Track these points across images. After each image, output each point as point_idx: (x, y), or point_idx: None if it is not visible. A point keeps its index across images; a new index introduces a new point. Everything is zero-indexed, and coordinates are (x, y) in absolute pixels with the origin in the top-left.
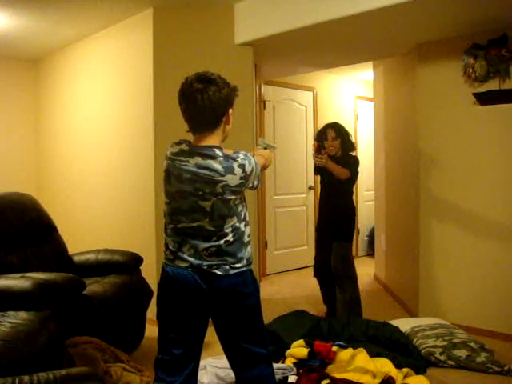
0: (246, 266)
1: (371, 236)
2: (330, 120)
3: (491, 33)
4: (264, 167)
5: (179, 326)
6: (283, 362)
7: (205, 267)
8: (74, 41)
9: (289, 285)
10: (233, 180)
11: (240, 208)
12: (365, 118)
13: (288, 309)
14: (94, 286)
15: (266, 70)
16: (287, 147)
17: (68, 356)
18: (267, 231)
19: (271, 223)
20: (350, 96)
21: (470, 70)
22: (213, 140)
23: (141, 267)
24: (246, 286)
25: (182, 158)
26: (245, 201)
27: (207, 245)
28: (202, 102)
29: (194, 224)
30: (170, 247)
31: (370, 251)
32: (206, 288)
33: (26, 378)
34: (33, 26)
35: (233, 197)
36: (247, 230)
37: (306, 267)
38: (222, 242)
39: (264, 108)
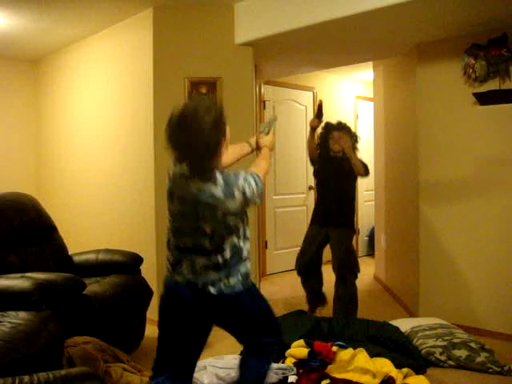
0: (241, 282)
1: (371, 236)
2: (330, 120)
3: (491, 33)
4: (267, 171)
5: (177, 336)
6: (283, 362)
7: (200, 285)
8: (74, 41)
9: (289, 285)
10: (233, 205)
11: (240, 225)
12: (365, 117)
13: (288, 309)
14: (94, 286)
15: (265, 70)
16: (287, 147)
17: (68, 356)
18: (267, 231)
19: (271, 223)
20: (350, 96)
21: (470, 70)
22: (213, 162)
23: (141, 267)
24: (241, 303)
25: (183, 181)
26: (246, 216)
27: (204, 260)
28: (193, 146)
29: (195, 242)
30: (170, 261)
31: (370, 251)
32: (201, 304)
33: (26, 378)
34: (33, 26)
35: (233, 218)
36: (246, 246)
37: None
38: (219, 258)
39: (264, 108)
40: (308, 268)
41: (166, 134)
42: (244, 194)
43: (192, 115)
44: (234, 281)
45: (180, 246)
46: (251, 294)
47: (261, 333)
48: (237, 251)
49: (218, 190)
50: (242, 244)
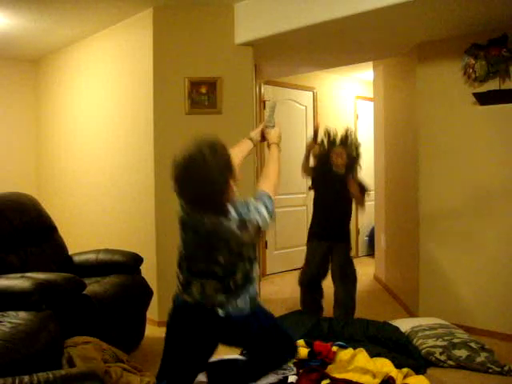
0: (249, 305)
1: (371, 236)
2: (330, 120)
3: (491, 33)
4: (278, 174)
5: (182, 352)
6: None
7: (208, 307)
8: (74, 41)
9: (289, 285)
10: (247, 237)
11: (251, 250)
12: (365, 118)
13: (288, 309)
14: (94, 286)
15: (266, 70)
16: (287, 147)
17: (68, 356)
18: (267, 231)
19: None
20: (350, 96)
21: (470, 70)
22: (224, 198)
23: (141, 267)
24: (248, 325)
25: (196, 214)
26: (258, 236)
27: (215, 284)
28: (203, 190)
29: (207, 268)
30: (181, 281)
31: (370, 251)
32: (209, 325)
33: (26, 378)
34: (33, 26)
35: (246, 247)
36: (255, 267)
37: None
38: (230, 282)
39: (264, 108)
40: (314, 280)
41: (172, 178)
42: (258, 224)
43: (198, 159)
44: (242, 304)
45: (192, 269)
46: (257, 316)
47: (271, 350)
48: (247, 274)
49: (232, 225)
50: (251, 266)
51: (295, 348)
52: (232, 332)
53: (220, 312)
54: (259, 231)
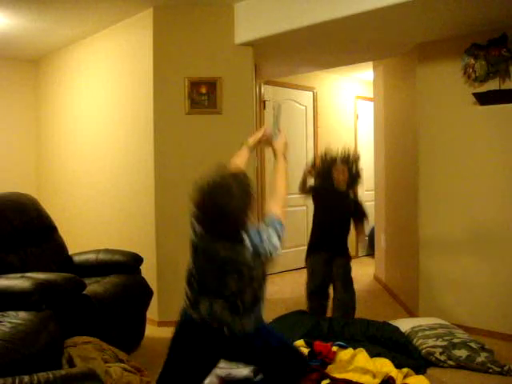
0: (254, 324)
1: (371, 236)
2: (330, 120)
3: (491, 33)
4: (287, 187)
5: (184, 365)
6: None
7: (215, 325)
8: (74, 41)
9: (289, 285)
10: (259, 264)
11: (261, 273)
12: (365, 118)
13: (288, 309)
14: (94, 286)
15: (265, 70)
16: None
17: (68, 356)
18: None
19: None
20: (350, 96)
21: (470, 70)
22: (242, 226)
23: (141, 267)
24: (253, 344)
25: (210, 239)
26: (269, 263)
27: (223, 303)
28: (224, 218)
29: (217, 289)
30: (189, 297)
31: (370, 251)
32: (214, 343)
33: (26, 378)
34: (33, 26)
35: (257, 270)
36: (263, 287)
37: (306, 267)
38: (239, 302)
39: (264, 108)
40: (322, 286)
41: (193, 203)
42: (271, 252)
43: (222, 187)
44: (248, 323)
45: (201, 288)
46: (261, 334)
47: (280, 368)
48: (255, 294)
49: (246, 254)
50: (260, 287)
51: (306, 367)
52: (236, 350)
53: (226, 331)
54: (271, 259)
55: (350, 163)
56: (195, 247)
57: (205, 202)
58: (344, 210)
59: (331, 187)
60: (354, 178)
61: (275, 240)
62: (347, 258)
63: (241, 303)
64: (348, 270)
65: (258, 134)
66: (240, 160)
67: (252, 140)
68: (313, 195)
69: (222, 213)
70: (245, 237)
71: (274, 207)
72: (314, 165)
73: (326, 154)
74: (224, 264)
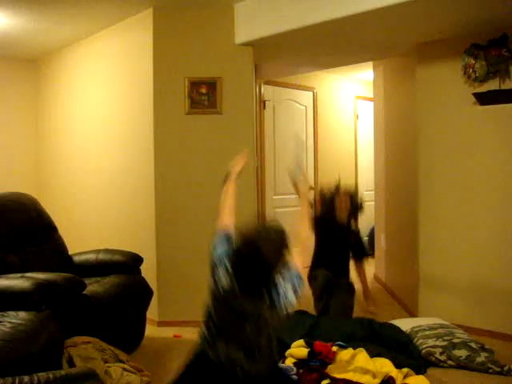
0: (267, 365)
1: (371, 236)
2: (330, 120)
3: (491, 33)
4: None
5: None
6: (283, 362)
7: (228, 366)
8: (74, 41)
9: None
10: (277, 317)
11: (277, 319)
12: (365, 118)
13: None
14: (94, 286)
15: (265, 70)
16: (287, 147)
17: (68, 356)
18: None
19: None
20: (350, 96)
21: (470, 70)
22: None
23: (141, 267)
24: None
25: (233, 293)
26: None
27: (240, 346)
28: (259, 273)
29: (235, 335)
30: (207, 337)
31: (370, 251)
32: (225, 381)
33: (26, 378)
34: (33, 26)
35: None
36: (278, 322)
37: (305, 267)
38: (253, 345)
39: (264, 108)
40: (330, 282)
41: (238, 250)
42: (285, 309)
43: (269, 243)
44: (263, 366)
45: (219, 332)
46: (273, 376)
47: None
48: (270, 337)
49: (264, 310)
50: (275, 330)
51: None
52: None
53: (240, 374)
54: (285, 313)
55: (352, 193)
56: (216, 296)
57: (250, 255)
58: (343, 241)
59: (333, 219)
60: (356, 207)
61: (290, 295)
62: (348, 279)
63: (256, 347)
64: (348, 305)
65: (241, 163)
66: (231, 200)
67: (236, 172)
68: (313, 226)
69: (260, 268)
70: (264, 293)
71: (298, 257)
72: (321, 194)
73: (325, 189)
74: (245, 316)
